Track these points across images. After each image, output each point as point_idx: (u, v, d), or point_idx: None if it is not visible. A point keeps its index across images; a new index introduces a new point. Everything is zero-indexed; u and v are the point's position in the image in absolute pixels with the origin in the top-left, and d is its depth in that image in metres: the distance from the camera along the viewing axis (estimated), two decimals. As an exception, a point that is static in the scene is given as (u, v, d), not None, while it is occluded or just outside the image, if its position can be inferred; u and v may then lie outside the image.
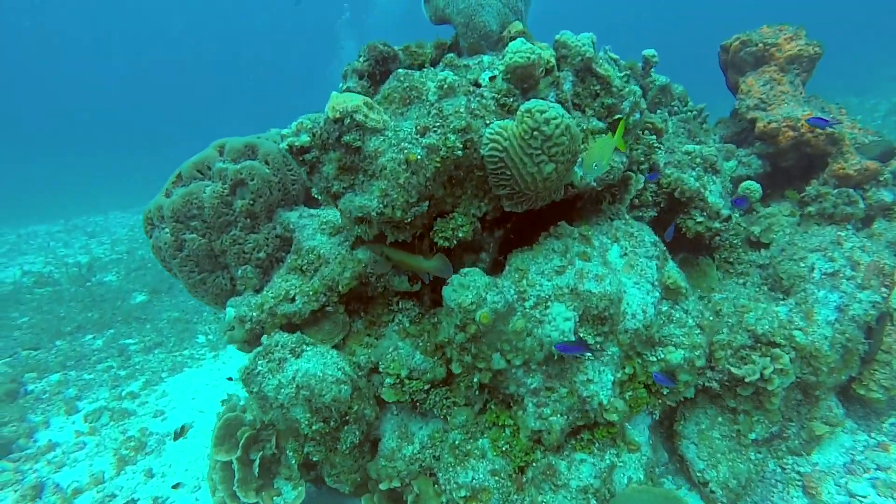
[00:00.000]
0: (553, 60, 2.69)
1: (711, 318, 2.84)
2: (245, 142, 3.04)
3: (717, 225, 3.26)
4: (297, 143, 2.17)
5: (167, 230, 2.94)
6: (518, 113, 2.32)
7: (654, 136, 3.49)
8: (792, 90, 4.12)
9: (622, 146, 2.58)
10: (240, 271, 3.00)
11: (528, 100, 2.59)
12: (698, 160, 3.46)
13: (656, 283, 2.65)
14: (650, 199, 3.34)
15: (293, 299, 2.78)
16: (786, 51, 4.17)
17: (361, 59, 2.76)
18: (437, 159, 2.20)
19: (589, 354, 2.46)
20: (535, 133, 2.28)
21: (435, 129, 2.24)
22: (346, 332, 2.89)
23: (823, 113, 4.10)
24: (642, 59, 3.98)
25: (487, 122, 2.38)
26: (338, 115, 2.14)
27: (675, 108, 4.68)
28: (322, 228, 2.93)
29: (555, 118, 2.28)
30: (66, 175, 27.29)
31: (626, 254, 2.76)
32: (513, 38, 2.73)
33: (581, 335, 2.45)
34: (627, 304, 2.50)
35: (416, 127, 2.24)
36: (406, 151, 2.17)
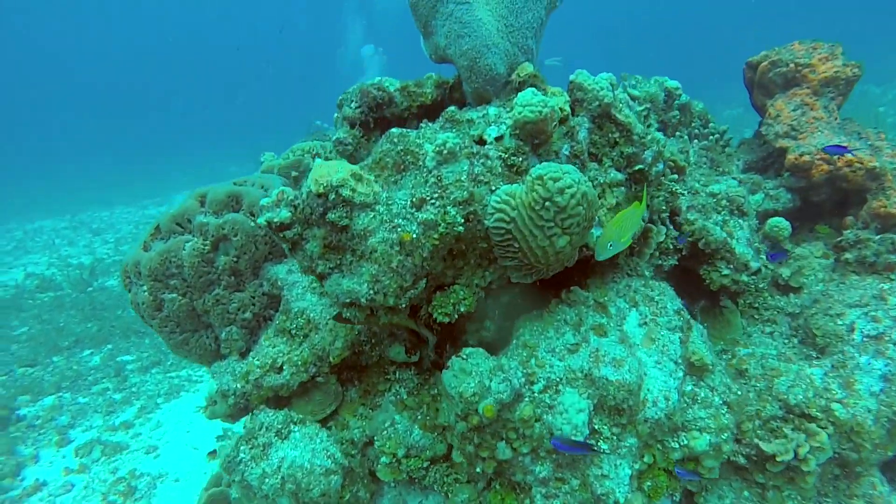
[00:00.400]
0: (567, 108, 2.40)
1: (739, 393, 2.57)
2: (228, 192, 2.79)
3: (744, 278, 2.97)
4: (276, 220, 1.92)
5: (145, 289, 2.70)
6: (528, 179, 2.05)
7: (676, 176, 3.20)
8: (826, 116, 3.78)
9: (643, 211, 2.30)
10: (224, 333, 2.77)
11: (539, 155, 2.32)
12: (724, 202, 3.16)
13: (680, 362, 2.39)
14: (671, 245, 3.05)
15: (281, 369, 2.55)
16: (820, 72, 3.83)
17: (353, 106, 2.49)
18: (436, 236, 1.94)
19: (605, 446, 2.21)
20: (547, 204, 2.01)
21: (433, 201, 1.97)
22: (339, 402, 2.66)
23: (861, 141, 3.77)
24: (664, 91, 3.66)
25: (493, 187, 2.10)
26: (322, 191, 1.87)
27: (696, 130, 4.35)
28: (312, 287, 2.69)
29: (570, 187, 2.01)
30: (74, 168, 27.27)
31: (646, 322, 2.49)
32: (522, 83, 2.44)
33: (595, 426, 2.20)
34: (648, 389, 2.24)
35: (411, 199, 1.97)
36: (399, 230, 1.91)
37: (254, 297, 2.78)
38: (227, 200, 2.79)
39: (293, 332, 2.63)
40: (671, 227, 3.05)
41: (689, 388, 2.40)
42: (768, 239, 3.63)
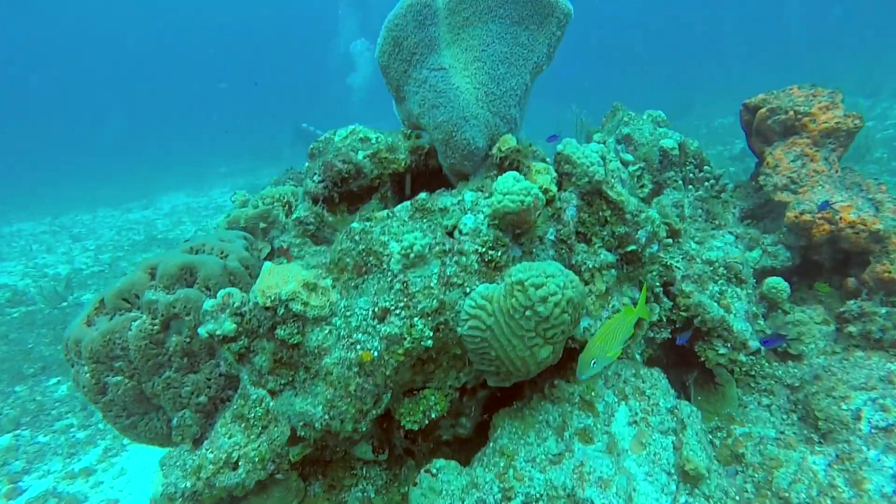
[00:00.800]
0: (553, 187, 2.17)
1: (738, 499, 2.36)
2: (181, 263, 2.53)
3: (742, 358, 2.77)
4: (219, 333, 1.68)
5: (86, 371, 2.44)
6: (506, 282, 1.82)
7: (671, 240, 2.99)
8: (827, 169, 3.59)
9: (645, 313, 2.09)
10: (176, 418, 2.51)
11: (521, 244, 2.09)
12: (721, 270, 2.96)
13: (673, 472, 2.17)
14: (663, 317, 2.84)
15: (236, 465, 2.30)
16: (821, 122, 3.63)
17: (316, 180, 2.24)
18: (400, 352, 1.71)
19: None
20: (528, 313, 1.78)
21: (398, 311, 1.74)
22: (301, 497, 2.42)
23: (862, 195, 3.58)
24: (660, 152, 3.44)
25: (468, 288, 1.87)
26: (269, 304, 1.64)
27: (691, 173, 4.15)
28: (273, 371, 2.44)
29: (553, 294, 1.78)
30: (58, 167, 26.71)
31: (636, 421, 2.28)
32: (503, 159, 2.20)
33: (579, 552, 1.98)
34: (638, 508, 2.03)
35: (373, 309, 1.74)
36: (359, 348, 1.68)
37: (209, 380, 2.53)
38: (180, 273, 2.53)
39: (251, 420, 2.39)
40: (665, 299, 2.84)
41: (682, 499, 2.19)
42: (766, 300, 3.44)
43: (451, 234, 1.97)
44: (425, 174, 2.48)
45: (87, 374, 2.46)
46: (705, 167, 4.23)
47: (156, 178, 22.47)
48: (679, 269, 2.96)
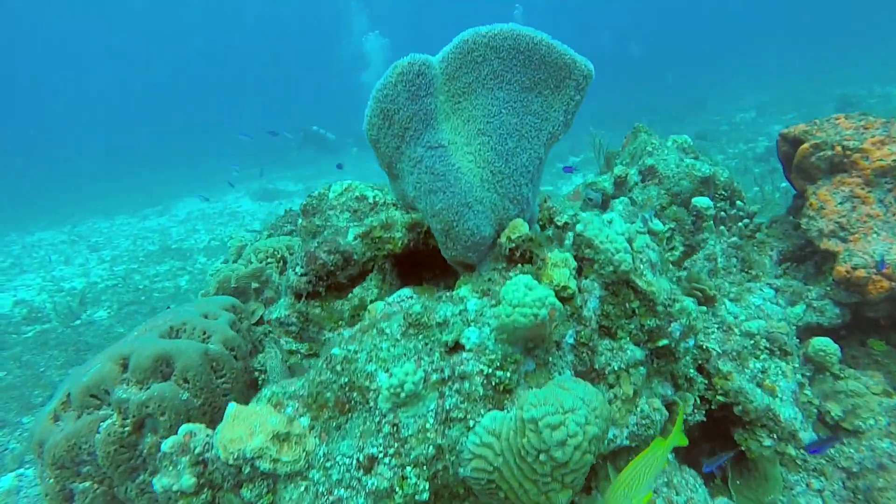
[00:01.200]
0: (573, 284, 1.85)
1: None
2: (157, 354, 2.27)
3: (791, 451, 2.43)
4: (175, 489, 1.41)
5: (49, 478, 2.21)
6: (517, 417, 1.52)
7: (704, 308, 2.65)
8: (882, 213, 3.19)
9: (682, 441, 1.77)
10: (152, 526, 2.27)
11: (536, 355, 1.78)
12: (763, 343, 2.61)
13: None
14: (697, 398, 2.51)
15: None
16: (874, 160, 3.22)
17: (298, 272, 1.96)
18: (390, 511, 1.43)
19: None
20: (542, 457, 1.48)
21: (387, 460, 1.45)
22: None
23: (923, 241, 3.17)
24: (692, 212, 3.07)
25: (472, 422, 1.57)
26: (232, 462, 1.36)
27: (723, 211, 3.77)
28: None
29: (574, 436, 1.47)
30: (79, 174, 27.02)
31: (670, 548, 1.96)
32: (513, 251, 1.89)
33: None
34: None
35: (357, 457, 1.46)
36: (339, 512, 1.40)
37: (188, 482, 2.28)
38: (155, 366, 2.27)
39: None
40: (699, 376, 2.50)
41: None
42: (812, 363, 3.07)
43: (452, 350, 1.67)
44: (425, 253, 2.19)
45: (51, 481, 2.22)
46: (738, 202, 3.85)
47: (173, 183, 22.59)
48: (715, 347, 2.62)
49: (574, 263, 1.90)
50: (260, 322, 3.00)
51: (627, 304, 1.98)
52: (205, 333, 2.50)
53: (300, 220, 2.81)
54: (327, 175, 18.23)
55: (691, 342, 2.07)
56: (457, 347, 1.69)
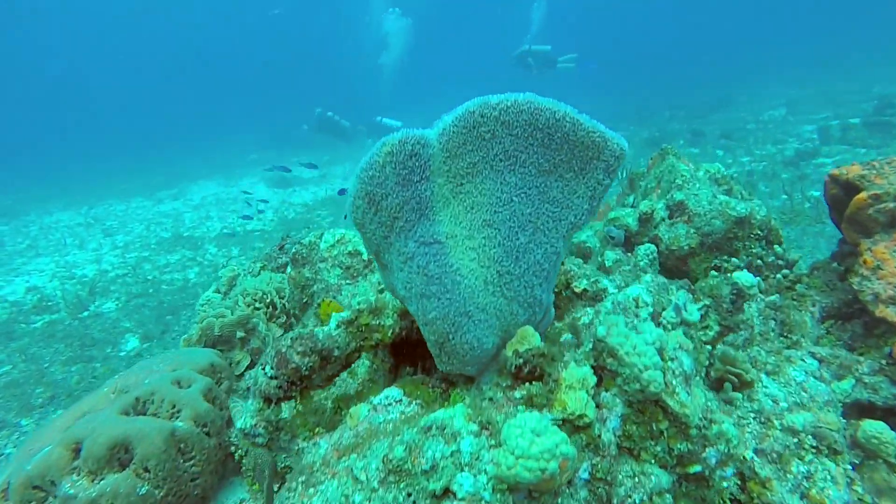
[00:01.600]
0: (591, 412, 1.52)
1: None
2: (113, 441, 2.01)
3: (839, 578, 2.10)
4: None
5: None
6: None
7: (741, 395, 2.31)
8: (952, 279, 2.79)
9: None
10: None
11: (542, 501, 1.47)
12: (808, 440, 2.26)
13: None
14: (728, 501, 2.19)
15: None
16: (947, 216, 2.81)
17: (268, 374, 1.67)
18: None
19: None
20: None
21: None
22: None
23: None
24: (732, 288, 2.69)
25: None
26: None
27: (758, 258, 3.39)
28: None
29: None
30: (100, 155, 27.17)
31: None
32: (520, 369, 1.56)
33: None
34: None
35: None
36: None
37: (148, 584, 2.04)
38: (110, 454, 2.01)
39: None
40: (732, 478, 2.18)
41: None
42: (861, 449, 2.72)
43: (440, 498, 1.37)
44: (418, 343, 1.88)
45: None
46: (776, 247, 3.46)
47: (190, 165, 22.57)
48: (751, 427, 2.29)
49: (593, 381, 1.57)
50: (241, 377, 2.74)
51: (655, 425, 1.66)
52: (174, 407, 2.23)
53: (289, 269, 2.52)
54: (342, 163, 17.94)
55: (730, 471, 1.75)
56: (446, 493, 1.39)
